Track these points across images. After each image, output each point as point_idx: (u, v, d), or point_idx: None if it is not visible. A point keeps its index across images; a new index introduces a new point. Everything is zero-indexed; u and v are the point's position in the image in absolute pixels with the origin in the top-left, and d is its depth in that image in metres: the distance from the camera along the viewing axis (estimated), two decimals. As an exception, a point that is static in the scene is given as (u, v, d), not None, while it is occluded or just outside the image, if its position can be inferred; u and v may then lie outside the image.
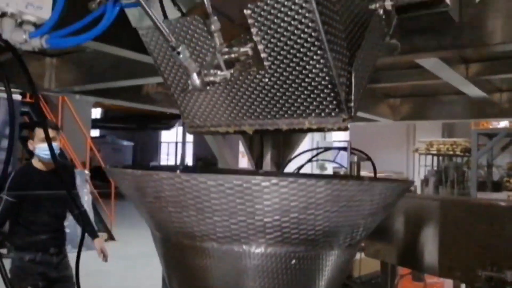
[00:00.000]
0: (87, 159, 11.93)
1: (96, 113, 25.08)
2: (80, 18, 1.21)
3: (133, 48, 1.88)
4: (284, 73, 1.14)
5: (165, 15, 1.29)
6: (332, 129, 1.16)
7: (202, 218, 0.90)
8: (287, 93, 1.17)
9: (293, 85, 1.15)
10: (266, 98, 1.21)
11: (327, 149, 3.73)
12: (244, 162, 3.99)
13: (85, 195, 10.95)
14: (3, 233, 4.58)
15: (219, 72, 1.14)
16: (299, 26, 1.04)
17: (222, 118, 1.32)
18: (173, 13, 1.29)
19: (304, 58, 1.09)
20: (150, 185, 0.94)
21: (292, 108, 1.19)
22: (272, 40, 1.09)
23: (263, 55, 1.14)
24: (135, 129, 23.81)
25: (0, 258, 0.96)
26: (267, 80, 1.18)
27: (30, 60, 2.80)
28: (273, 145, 2.70)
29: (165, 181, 0.91)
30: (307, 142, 4.28)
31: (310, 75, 1.11)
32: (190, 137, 20.51)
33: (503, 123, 16.45)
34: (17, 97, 9.07)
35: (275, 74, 1.15)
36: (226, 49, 1.19)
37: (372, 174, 2.77)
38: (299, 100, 1.16)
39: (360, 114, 3.66)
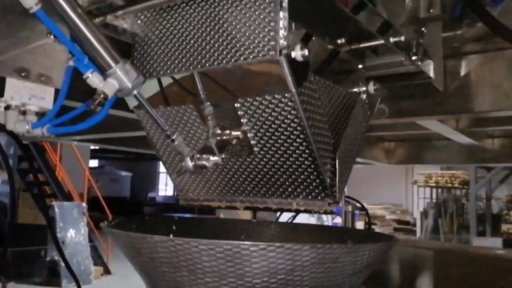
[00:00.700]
0: (85, 191, 11.94)
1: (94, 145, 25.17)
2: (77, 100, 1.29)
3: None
4: (272, 159, 1.20)
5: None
6: (318, 212, 1.22)
7: (194, 279, 0.96)
8: (275, 176, 1.23)
9: (280, 169, 1.21)
10: (256, 179, 1.27)
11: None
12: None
13: (82, 228, 10.91)
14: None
15: (211, 157, 1.20)
16: (285, 120, 1.10)
17: (214, 193, 1.37)
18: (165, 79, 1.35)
19: (291, 148, 1.15)
20: (145, 246, 1.00)
21: (280, 190, 1.25)
22: (260, 130, 1.16)
23: (252, 142, 1.20)
24: (134, 159, 23.86)
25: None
26: (256, 163, 1.24)
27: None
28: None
29: (159, 244, 0.98)
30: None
31: (296, 162, 1.17)
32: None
33: (501, 156, 16.52)
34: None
35: (264, 159, 1.21)
36: (219, 132, 1.25)
37: (372, 206, 2.77)
38: (286, 183, 1.22)
39: (354, 158, 3.69)
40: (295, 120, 1.09)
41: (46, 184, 11.62)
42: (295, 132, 1.11)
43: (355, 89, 1.39)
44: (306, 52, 1.03)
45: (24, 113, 1.16)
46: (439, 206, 15.64)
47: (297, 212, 1.26)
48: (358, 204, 3.16)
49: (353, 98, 1.34)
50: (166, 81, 1.32)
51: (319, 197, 1.18)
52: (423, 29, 1.84)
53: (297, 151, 1.14)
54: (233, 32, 1.09)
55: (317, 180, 1.16)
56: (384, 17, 1.53)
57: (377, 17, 1.39)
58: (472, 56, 1.94)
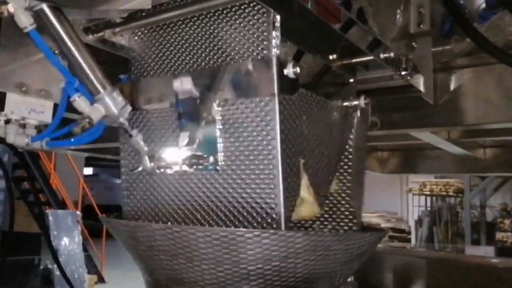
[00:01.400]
0: (79, 199, 11.89)
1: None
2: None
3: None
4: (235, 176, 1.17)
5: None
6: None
7: (191, 266, 0.98)
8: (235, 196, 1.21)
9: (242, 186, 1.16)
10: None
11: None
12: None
13: (76, 236, 10.86)
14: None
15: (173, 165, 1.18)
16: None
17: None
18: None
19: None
20: (143, 235, 1.02)
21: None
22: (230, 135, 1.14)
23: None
24: (129, 166, 23.73)
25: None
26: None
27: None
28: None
29: (157, 231, 1.00)
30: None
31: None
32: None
33: (494, 165, 16.61)
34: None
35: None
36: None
37: (367, 214, 2.79)
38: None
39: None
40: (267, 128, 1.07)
41: (40, 192, 11.57)
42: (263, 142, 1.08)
43: (346, 103, 1.42)
44: (298, 69, 1.07)
45: (23, 126, 1.18)
46: (433, 214, 15.68)
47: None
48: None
49: (344, 112, 1.37)
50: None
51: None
52: (413, 43, 1.89)
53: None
54: (228, 50, 1.13)
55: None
56: (375, 32, 1.58)
57: (367, 33, 1.43)
58: (462, 71, 1.98)
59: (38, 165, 11.51)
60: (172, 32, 1.25)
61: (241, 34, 1.11)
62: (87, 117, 1.07)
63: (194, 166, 1.10)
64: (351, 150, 1.33)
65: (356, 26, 1.32)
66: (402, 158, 4.23)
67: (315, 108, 1.23)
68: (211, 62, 1.17)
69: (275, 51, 1.07)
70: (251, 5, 1.08)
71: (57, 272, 10.19)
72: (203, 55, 1.19)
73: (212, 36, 1.16)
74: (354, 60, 1.50)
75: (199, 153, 1.12)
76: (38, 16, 1.07)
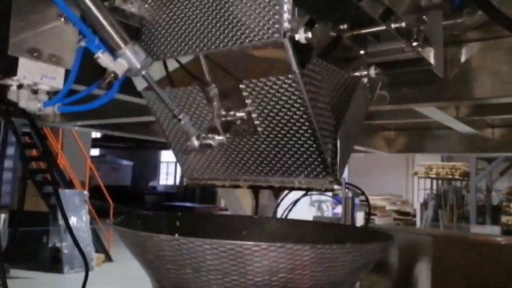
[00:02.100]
0: (87, 179, 11.98)
1: (96, 132, 25.23)
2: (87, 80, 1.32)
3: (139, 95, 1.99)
4: (276, 139, 1.24)
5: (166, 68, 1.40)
6: (320, 190, 1.26)
7: (198, 276, 0.99)
8: (278, 155, 1.27)
9: (283, 149, 1.25)
10: (259, 158, 1.31)
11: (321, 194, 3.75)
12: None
13: (84, 215, 10.99)
14: None
15: (216, 137, 1.24)
16: (288, 101, 1.14)
17: (219, 173, 1.41)
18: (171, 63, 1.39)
19: (293, 128, 1.19)
20: (151, 244, 1.03)
21: (283, 168, 1.29)
22: (264, 110, 1.20)
23: (256, 122, 1.24)
24: (135, 148, 23.92)
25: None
26: (259, 143, 1.28)
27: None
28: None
29: (165, 242, 1.01)
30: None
31: (299, 142, 1.21)
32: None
33: (501, 148, 16.54)
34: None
35: (267, 139, 1.25)
36: (223, 113, 1.29)
37: (372, 196, 2.81)
38: (289, 162, 1.26)
39: (355, 147, 3.75)
40: (298, 100, 1.13)
41: (48, 172, 11.67)
42: (297, 113, 1.15)
43: (357, 73, 1.42)
44: (309, 34, 1.07)
45: (35, 92, 1.20)
46: (439, 197, 15.70)
47: (299, 189, 1.30)
48: (358, 191, 3.20)
49: (354, 82, 1.37)
50: (172, 66, 1.36)
51: (320, 176, 1.22)
52: (424, 17, 1.87)
53: (299, 131, 1.18)
54: (239, 15, 1.13)
55: (319, 159, 1.20)
56: (386, 3, 1.56)
57: (379, 3, 1.42)
58: (472, 44, 1.97)
59: (46, 145, 11.59)
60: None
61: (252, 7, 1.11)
62: (112, 72, 1.12)
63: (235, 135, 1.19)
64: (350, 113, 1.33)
65: (368, -6, 1.31)
66: (409, 138, 4.21)
67: (327, 77, 1.23)
68: (223, 27, 1.17)
69: (286, 16, 1.07)
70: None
71: (66, 251, 10.36)
72: (214, 20, 1.19)
73: (223, 1, 1.16)
74: (365, 30, 1.49)
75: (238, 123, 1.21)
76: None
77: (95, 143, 21.74)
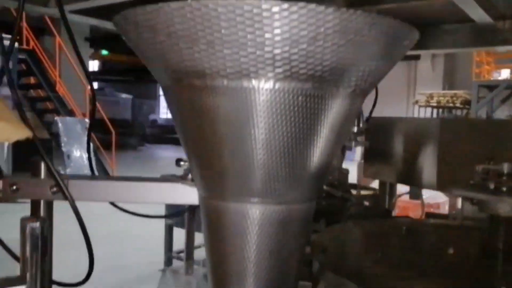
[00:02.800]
0: (87, 107, 11.91)
1: (94, 65, 24.84)
2: None
3: None
4: None
5: None
6: None
7: (212, 52, 0.91)
8: None
9: None
10: None
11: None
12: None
13: (86, 143, 11.06)
14: None
15: None
16: None
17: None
18: None
19: None
20: (161, 20, 0.94)
21: None
22: None
23: None
24: (133, 82, 23.68)
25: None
26: None
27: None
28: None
29: (176, 12, 0.92)
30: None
31: None
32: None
33: (504, 75, 16.40)
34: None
35: None
36: None
37: None
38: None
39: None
40: None
41: (47, 100, 11.61)
42: None
43: None
44: None
45: None
46: (439, 126, 15.71)
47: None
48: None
49: None
50: None
51: None
52: None
53: None
54: None
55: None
56: None
57: None
58: None
59: (43, 72, 11.44)
60: None
61: None
62: None
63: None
64: None
65: None
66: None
67: None
68: None
69: None
70: None
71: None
72: None
73: None
74: None
75: None
76: None
77: (93, 76, 21.47)
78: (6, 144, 9.12)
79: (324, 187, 2.41)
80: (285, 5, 0.84)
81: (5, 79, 1.16)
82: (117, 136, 13.36)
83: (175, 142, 20.39)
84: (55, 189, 1.16)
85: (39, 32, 12.74)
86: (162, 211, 5.82)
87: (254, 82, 0.91)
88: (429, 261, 1.49)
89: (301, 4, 0.85)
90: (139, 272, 5.68)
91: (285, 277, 1.02)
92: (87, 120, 11.50)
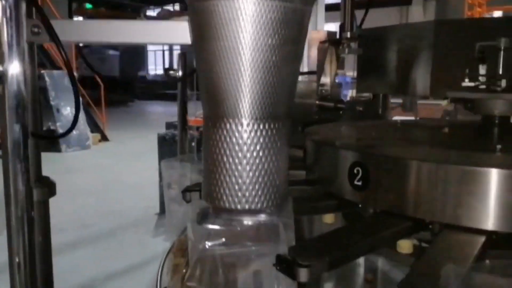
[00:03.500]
0: (73, 60, 11.61)
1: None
2: None
3: None
4: None
5: None
6: None
7: None
8: None
9: None
10: None
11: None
12: None
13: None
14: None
15: None
16: None
17: None
18: None
19: None
20: None
21: None
22: None
23: None
24: (120, 37, 23.04)
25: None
26: None
27: None
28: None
29: None
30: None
31: None
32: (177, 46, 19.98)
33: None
34: None
35: None
36: None
37: None
38: None
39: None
40: None
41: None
42: None
43: None
44: None
45: None
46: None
47: None
48: None
49: None
50: None
51: None
52: None
53: None
54: None
55: None
56: None
57: None
58: None
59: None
60: None
61: None
62: None
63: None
64: None
65: None
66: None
67: None
68: None
69: None
70: None
71: (61, 130, 10.40)
72: None
73: None
74: None
75: None
76: None
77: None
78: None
79: (317, 102, 2.39)
80: None
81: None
82: (106, 92, 13.17)
83: (164, 98, 20.18)
84: (36, 29, 1.09)
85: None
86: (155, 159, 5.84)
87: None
88: (424, 138, 1.49)
89: None
90: (136, 216, 5.75)
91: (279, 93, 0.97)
92: (75, 74, 11.27)
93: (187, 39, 1.01)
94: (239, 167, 0.91)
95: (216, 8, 0.87)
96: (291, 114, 0.99)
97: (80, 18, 25.40)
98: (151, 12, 22.97)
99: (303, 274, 0.78)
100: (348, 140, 1.43)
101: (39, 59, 11.19)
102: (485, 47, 1.57)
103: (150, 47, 25.39)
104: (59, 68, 11.33)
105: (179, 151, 2.74)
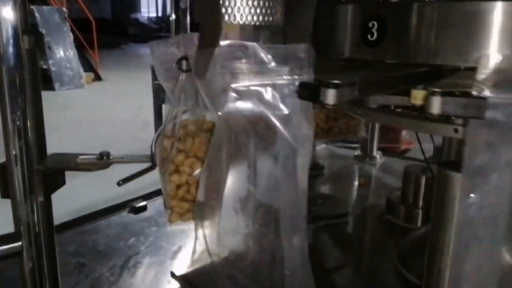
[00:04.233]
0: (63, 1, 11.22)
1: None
2: None
3: None
4: None
5: None
6: None
7: None
8: None
9: None
10: None
11: None
12: None
13: (66, 33, 10.59)
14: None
15: None
16: None
17: None
18: None
19: None
20: None
21: None
22: None
23: None
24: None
25: None
26: None
27: None
28: None
29: None
30: None
31: None
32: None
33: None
34: None
35: None
36: None
37: None
38: None
39: None
40: None
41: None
42: None
43: None
44: None
45: None
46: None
47: None
48: None
49: None
50: None
51: None
52: None
53: None
54: None
55: None
56: None
57: None
58: None
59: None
60: None
61: None
62: None
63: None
64: None
65: None
66: None
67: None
68: None
69: None
70: None
71: (53, 68, 10.19)
72: None
73: None
74: None
75: None
76: None
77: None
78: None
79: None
80: None
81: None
82: (98, 35, 12.82)
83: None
84: None
85: None
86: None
87: None
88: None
89: None
90: (132, 148, 5.72)
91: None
92: (65, 9, 10.92)
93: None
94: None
95: None
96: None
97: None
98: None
99: (331, 96, 0.67)
100: None
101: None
102: None
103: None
104: (48, 3, 10.96)
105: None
